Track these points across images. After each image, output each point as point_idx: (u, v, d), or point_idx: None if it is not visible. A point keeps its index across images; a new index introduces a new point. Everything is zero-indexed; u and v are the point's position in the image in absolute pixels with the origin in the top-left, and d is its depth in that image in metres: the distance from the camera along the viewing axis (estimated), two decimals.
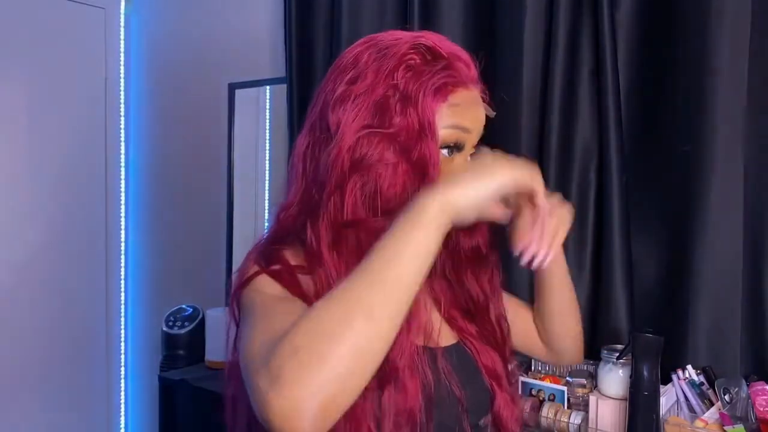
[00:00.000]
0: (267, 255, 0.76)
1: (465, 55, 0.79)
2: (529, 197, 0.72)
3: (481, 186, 0.66)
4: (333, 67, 0.80)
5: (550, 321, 0.98)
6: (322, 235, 0.74)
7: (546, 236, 0.73)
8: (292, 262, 0.75)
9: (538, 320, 1.00)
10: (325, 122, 0.76)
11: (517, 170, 0.68)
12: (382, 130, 0.73)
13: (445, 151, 0.76)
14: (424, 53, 0.75)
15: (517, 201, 0.78)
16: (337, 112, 0.75)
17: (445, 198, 0.63)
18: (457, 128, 0.76)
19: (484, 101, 0.80)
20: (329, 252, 0.73)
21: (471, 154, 0.80)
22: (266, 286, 0.72)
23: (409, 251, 0.60)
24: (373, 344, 0.57)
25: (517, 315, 0.99)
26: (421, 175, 0.73)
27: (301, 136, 0.82)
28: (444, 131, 0.75)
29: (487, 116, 0.81)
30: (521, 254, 0.74)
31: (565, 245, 1.04)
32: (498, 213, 0.75)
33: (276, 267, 0.74)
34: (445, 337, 0.83)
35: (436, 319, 0.82)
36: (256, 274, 0.73)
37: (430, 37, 0.77)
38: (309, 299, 0.71)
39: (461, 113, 0.76)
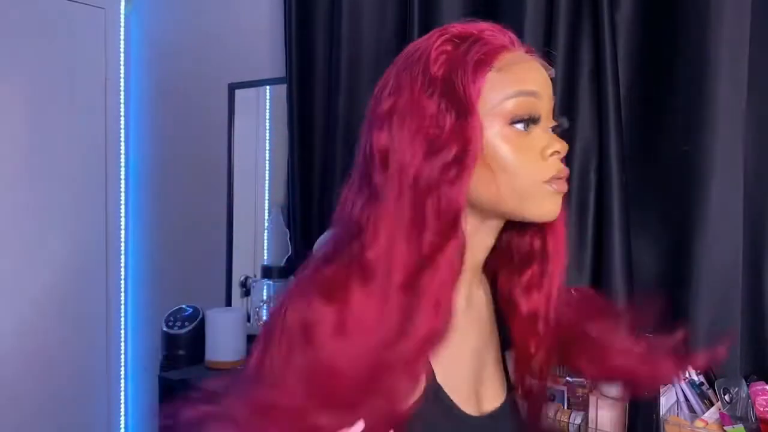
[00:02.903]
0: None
1: (494, 25, 0.71)
2: None
3: None
4: (370, 99, 0.71)
5: None
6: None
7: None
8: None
9: None
10: (372, 149, 0.67)
11: None
12: (434, 146, 0.64)
13: (520, 126, 0.66)
14: (452, 39, 0.68)
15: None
16: (384, 133, 0.66)
17: None
18: (521, 94, 0.66)
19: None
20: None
21: (552, 127, 0.70)
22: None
23: None
24: None
25: None
26: (463, 162, 0.64)
27: (353, 180, 0.70)
28: (508, 103, 0.66)
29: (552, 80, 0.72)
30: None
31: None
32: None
33: None
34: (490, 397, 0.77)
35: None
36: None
37: (455, 25, 0.70)
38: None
39: (518, 76, 0.67)
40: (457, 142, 0.63)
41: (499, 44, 0.68)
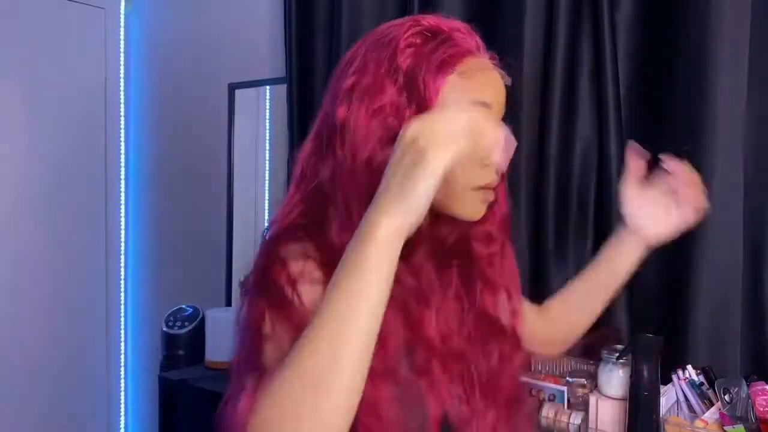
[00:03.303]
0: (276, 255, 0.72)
1: (465, 26, 0.75)
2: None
3: (423, 184, 0.56)
4: (336, 69, 0.78)
5: (595, 299, 0.97)
6: (336, 227, 0.71)
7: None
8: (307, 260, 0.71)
9: (572, 304, 0.99)
10: (332, 120, 0.73)
11: (453, 146, 0.57)
12: (394, 132, 0.67)
13: None
14: (423, 32, 0.71)
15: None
16: (343, 107, 0.72)
17: (385, 222, 0.57)
18: (476, 103, 0.71)
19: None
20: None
21: None
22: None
23: (363, 303, 0.57)
24: (338, 413, 0.56)
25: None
26: None
27: (306, 142, 0.78)
28: None
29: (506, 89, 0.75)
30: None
31: (565, 245, 1.05)
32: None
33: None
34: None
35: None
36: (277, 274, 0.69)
37: (427, 17, 0.73)
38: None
39: (476, 84, 0.71)
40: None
41: (465, 48, 0.72)
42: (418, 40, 0.71)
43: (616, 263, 0.96)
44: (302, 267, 0.69)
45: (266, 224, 0.85)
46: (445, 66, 0.69)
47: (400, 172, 0.58)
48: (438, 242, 0.78)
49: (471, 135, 0.58)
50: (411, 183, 0.57)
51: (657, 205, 0.93)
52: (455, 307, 0.79)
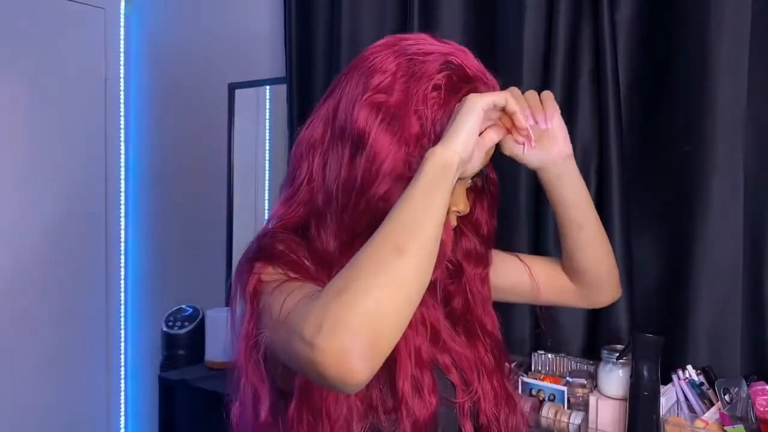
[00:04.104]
0: (269, 251, 0.76)
1: (491, 78, 0.79)
2: (511, 118, 0.75)
3: (466, 120, 0.68)
4: (355, 65, 0.79)
5: (575, 242, 0.93)
6: (331, 239, 0.77)
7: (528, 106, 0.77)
8: (295, 256, 0.75)
9: (567, 258, 0.96)
10: (348, 123, 0.76)
11: (488, 96, 0.70)
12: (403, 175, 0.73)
13: None
14: (452, 75, 0.75)
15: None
16: (363, 117, 0.74)
17: (438, 149, 0.67)
18: None
19: None
20: (340, 254, 0.76)
21: (476, 175, 0.81)
22: (278, 273, 0.73)
23: (429, 219, 0.64)
24: (408, 277, 0.60)
25: (536, 267, 0.99)
26: None
27: (312, 127, 0.81)
28: None
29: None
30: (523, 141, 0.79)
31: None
32: (493, 135, 0.75)
33: (284, 258, 0.74)
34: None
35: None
36: (263, 266, 0.74)
37: (458, 56, 0.76)
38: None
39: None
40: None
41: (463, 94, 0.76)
42: (445, 83, 0.75)
43: (564, 198, 0.90)
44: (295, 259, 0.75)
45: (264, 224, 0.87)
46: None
47: (451, 120, 0.70)
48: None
49: (506, 93, 0.72)
50: (459, 118, 0.69)
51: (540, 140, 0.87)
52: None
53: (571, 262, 0.96)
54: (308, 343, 0.57)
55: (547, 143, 0.84)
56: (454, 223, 0.82)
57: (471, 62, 0.78)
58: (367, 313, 0.57)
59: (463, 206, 0.81)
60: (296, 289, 0.67)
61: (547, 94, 0.80)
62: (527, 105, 0.77)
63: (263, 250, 0.76)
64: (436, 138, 0.72)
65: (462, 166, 0.69)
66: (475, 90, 0.75)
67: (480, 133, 0.73)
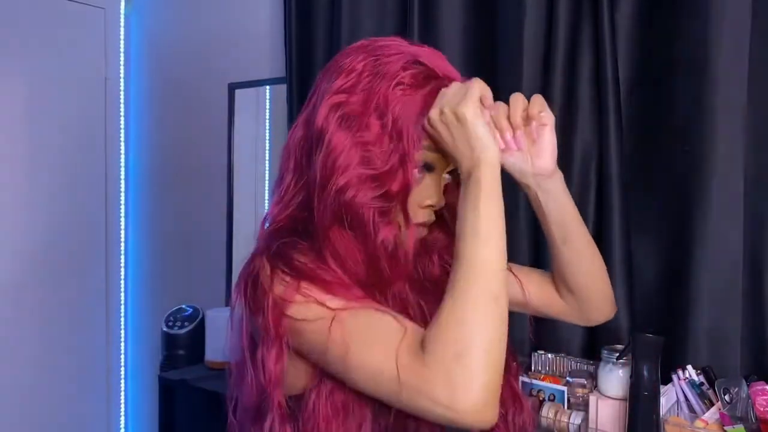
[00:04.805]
0: (288, 263, 0.75)
1: (460, 79, 0.78)
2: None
3: (476, 128, 0.71)
4: (329, 67, 0.81)
5: (561, 258, 0.90)
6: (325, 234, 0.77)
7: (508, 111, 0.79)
8: (307, 261, 0.75)
9: (558, 273, 0.94)
10: (312, 122, 0.78)
11: (469, 96, 0.72)
12: (373, 171, 0.75)
13: (415, 171, 0.77)
14: (417, 73, 0.76)
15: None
16: (322, 116, 0.76)
17: (484, 167, 0.70)
18: (433, 150, 0.77)
19: None
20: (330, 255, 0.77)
21: (449, 171, 0.81)
22: (312, 293, 0.72)
23: (484, 230, 0.68)
24: (504, 318, 0.66)
25: (527, 279, 0.97)
26: (390, 196, 0.76)
27: (297, 127, 0.83)
28: (420, 152, 0.77)
29: None
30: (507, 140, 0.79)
31: None
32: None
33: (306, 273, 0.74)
34: None
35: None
36: (293, 287, 0.73)
37: (427, 56, 0.77)
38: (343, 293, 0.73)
39: None
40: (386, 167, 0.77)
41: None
42: (408, 80, 0.75)
43: (548, 213, 0.88)
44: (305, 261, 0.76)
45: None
46: (422, 116, 0.75)
47: (455, 136, 0.72)
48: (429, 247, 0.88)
49: (478, 84, 0.73)
50: (469, 132, 0.71)
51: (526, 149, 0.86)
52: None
53: (561, 279, 0.94)
54: (447, 407, 0.62)
55: (533, 155, 0.83)
56: (432, 218, 0.82)
57: (439, 63, 0.78)
58: (490, 366, 0.63)
59: (437, 199, 0.81)
60: (362, 328, 0.69)
61: (535, 112, 0.80)
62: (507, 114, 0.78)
63: (287, 264, 0.75)
64: (398, 135, 0.74)
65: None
66: (442, 86, 0.76)
67: None
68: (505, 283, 0.68)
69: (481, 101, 0.74)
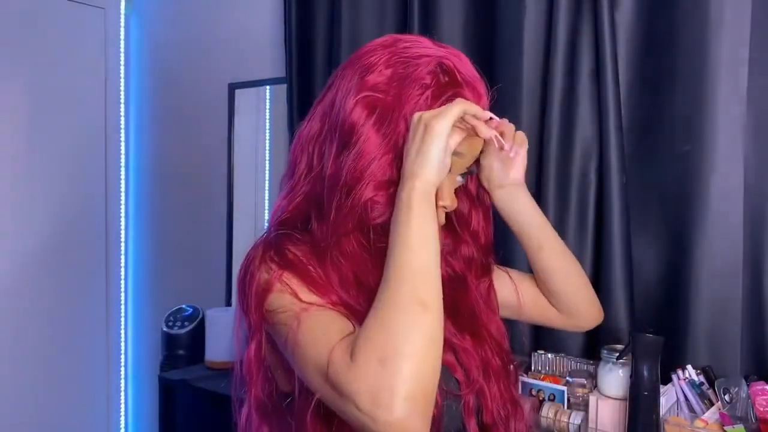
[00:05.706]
0: (279, 251, 0.76)
1: (481, 86, 0.79)
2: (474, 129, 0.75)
3: (431, 149, 0.69)
4: (352, 62, 0.80)
5: (539, 263, 0.96)
6: (327, 233, 0.77)
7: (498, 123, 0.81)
8: (299, 254, 0.76)
9: (538, 280, 0.99)
10: (341, 117, 0.76)
11: (446, 118, 0.70)
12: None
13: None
14: (440, 76, 0.76)
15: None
16: (357, 113, 0.75)
17: (416, 183, 0.69)
18: (453, 154, 0.77)
19: None
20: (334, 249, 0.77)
21: (463, 174, 0.83)
22: (291, 284, 0.73)
23: (416, 242, 0.66)
24: (436, 328, 0.64)
25: (523, 285, 1.00)
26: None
27: (312, 120, 0.82)
28: None
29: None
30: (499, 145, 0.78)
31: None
32: (456, 137, 0.75)
33: (294, 266, 0.75)
34: None
35: None
36: (278, 275, 0.74)
37: (452, 60, 0.77)
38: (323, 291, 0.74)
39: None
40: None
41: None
42: (433, 83, 0.76)
43: (518, 221, 0.95)
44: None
45: (266, 224, 0.87)
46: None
47: (415, 146, 0.70)
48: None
49: (461, 105, 0.71)
50: (425, 148, 0.70)
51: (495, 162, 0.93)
52: None
53: (543, 285, 0.99)
54: (368, 416, 0.60)
55: (509, 167, 0.91)
56: (442, 220, 0.82)
57: (464, 67, 0.78)
58: (415, 376, 0.60)
59: (450, 201, 0.81)
60: (317, 325, 0.69)
61: (520, 137, 0.89)
62: (493, 123, 0.78)
63: (278, 253, 0.76)
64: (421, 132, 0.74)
65: (434, 191, 0.71)
66: (459, 95, 0.76)
67: None
68: (438, 293, 0.66)
69: (465, 119, 0.73)
